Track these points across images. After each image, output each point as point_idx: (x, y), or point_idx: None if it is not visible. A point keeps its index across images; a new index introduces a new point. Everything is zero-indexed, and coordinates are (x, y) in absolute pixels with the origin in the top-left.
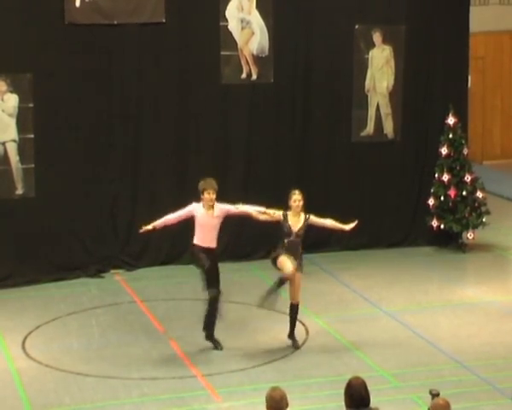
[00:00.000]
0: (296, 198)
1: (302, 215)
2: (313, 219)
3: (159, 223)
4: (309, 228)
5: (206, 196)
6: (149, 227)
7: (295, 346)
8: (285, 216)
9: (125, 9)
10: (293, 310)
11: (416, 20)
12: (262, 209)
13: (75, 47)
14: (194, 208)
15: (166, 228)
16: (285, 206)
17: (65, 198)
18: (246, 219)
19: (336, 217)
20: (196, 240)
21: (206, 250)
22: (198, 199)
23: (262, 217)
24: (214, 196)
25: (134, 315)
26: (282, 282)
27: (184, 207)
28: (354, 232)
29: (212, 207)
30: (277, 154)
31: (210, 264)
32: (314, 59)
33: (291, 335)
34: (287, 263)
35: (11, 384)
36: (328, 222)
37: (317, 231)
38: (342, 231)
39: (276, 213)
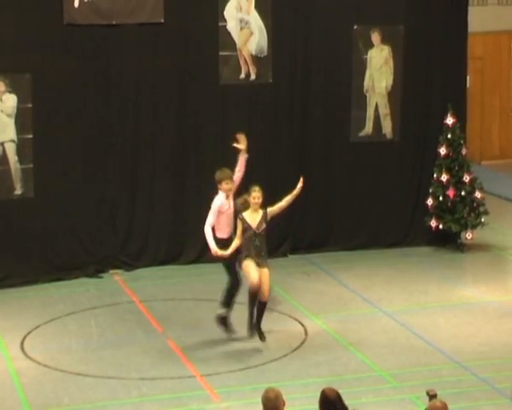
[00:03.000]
0: (256, 195)
1: (260, 211)
2: (270, 210)
3: (211, 241)
4: (275, 220)
5: (224, 185)
6: (227, 252)
7: (261, 339)
8: (242, 218)
9: (124, 10)
10: (261, 307)
11: (414, 20)
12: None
13: (74, 47)
14: (219, 200)
15: (166, 228)
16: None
17: (63, 198)
18: None
19: (335, 217)
20: (218, 233)
21: (226, 241)
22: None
23: (238, 241)
24: (232, 186)
25: (133, 315)
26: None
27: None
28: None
29: (230, 195)
30: (276, 154)
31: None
32: (313, 59)
33: (256, 327)
34: (251, 272)
35: (10, 385)
36: (284, 202)
37: (315, 231)
38: (297, 196)
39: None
